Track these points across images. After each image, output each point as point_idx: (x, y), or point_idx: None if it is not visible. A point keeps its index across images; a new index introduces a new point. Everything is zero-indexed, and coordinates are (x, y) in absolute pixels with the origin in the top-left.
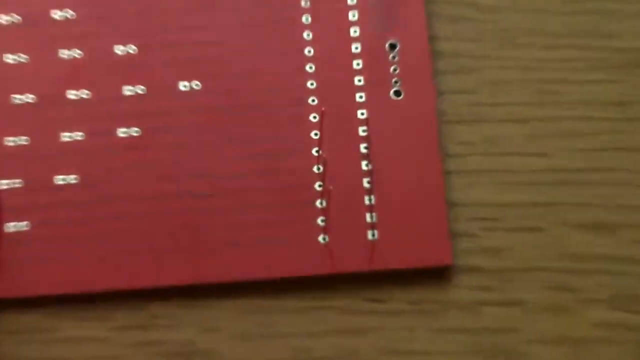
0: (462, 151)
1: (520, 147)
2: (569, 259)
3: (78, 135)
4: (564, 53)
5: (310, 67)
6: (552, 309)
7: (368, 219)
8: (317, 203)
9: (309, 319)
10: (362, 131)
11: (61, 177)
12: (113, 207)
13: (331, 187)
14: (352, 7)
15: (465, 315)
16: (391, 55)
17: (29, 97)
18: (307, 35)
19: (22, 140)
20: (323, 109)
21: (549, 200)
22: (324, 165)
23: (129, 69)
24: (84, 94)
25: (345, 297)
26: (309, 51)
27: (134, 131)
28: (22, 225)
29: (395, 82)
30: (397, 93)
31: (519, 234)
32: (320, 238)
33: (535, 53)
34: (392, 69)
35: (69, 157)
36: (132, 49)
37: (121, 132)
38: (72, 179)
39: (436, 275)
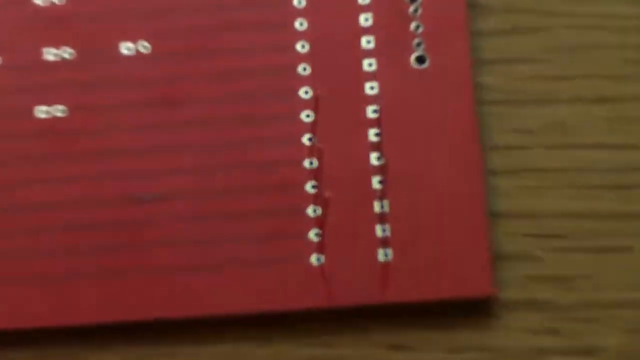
0: (516, 142)
1: (600, 137)
2: None
3: None
4: None
5: (301, 24)
6: None
7: (379, 232)
8: (309, 210)
9: None
10: (371, 112)
11: None
12: (22, 217)
13: (327, 194)
14: None
15: None
16: (412, 8)
17: None
18: None
19: None
20: (318, 90)
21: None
22: (319, 159)
23: (52, 25)
24: None
25: (354, 343)
26: (299, 1)
27: (58, 110)
28: None
29: (418, 44)
30: (421, 59)
31: (597, 257)
32: (313, 258)
33: (621, 8)
34: (413, 26)
35: None
36: None
37: (40, 111)
38: None
39: (480, 311)
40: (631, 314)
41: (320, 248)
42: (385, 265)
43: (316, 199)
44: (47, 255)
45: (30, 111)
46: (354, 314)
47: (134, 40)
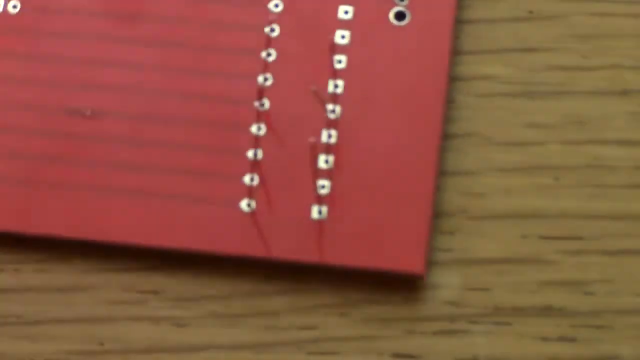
0: (530, 138)
1: (620, 132)
2: None
3: None
4: None
5: None
6: None
7: (318, 188)
8: (249, 153)
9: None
10: (337, 61)
11: None
12: None
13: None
14: None
15: None
16: None
17: None
18: None
19: None
20: (283, 29)
21: None
22: (271, 101)
23: None
24: None
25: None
26: None
27: (11, 5)
28: None
29: None
30: (400, 15)
31: (617, 260)
32: (244, 204)
33: None
34: None
35: None
36: None
37: None
38: None
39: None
40: None
41: (252, 194)
42: (318, 223)
43: (258, 143)
44: None
45: None
46: (285, 267)
47: None
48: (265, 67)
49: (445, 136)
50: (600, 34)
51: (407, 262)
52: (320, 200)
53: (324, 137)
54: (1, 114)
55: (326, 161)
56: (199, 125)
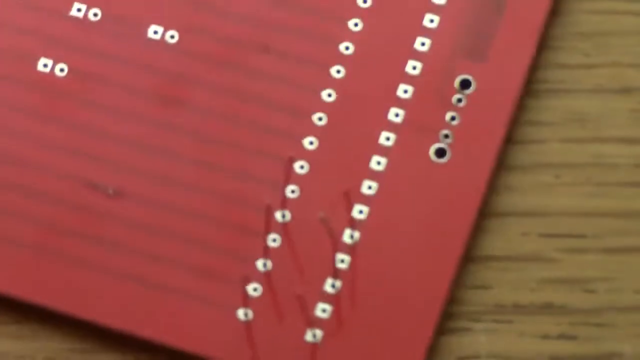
0: (531, 135)
1: (623, 130)
2: None
3: None
4: None
5: (338, 71)
6: None
7: (317, 311)
8: (259, 262)
9: None
10: (366, 187)
11: None
12: None
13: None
14: (432, 8)
15: None
16: (457, 97)
17: None
18: (354, 24)
19: None
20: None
21: None
22: (292, 214)
23: None
24: None
25: None
26: (347, 48)
27: (58, 68)
28: None
29: (445, 135)
30: (441, 152)
31: (618, 257)
32: (241, 312)
33: None
34: (448, 116)
35: None
36: None
37: (43, 64)
38: None
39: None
40: None
41: (252, 304)
42: (311, 346)
43: (271, 254)
44: None
45: (34, 60)
46: None
47: (165, 26)
48: (295, 178)
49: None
50: (602, 31)
51: None
52: (316, 323)
53: (337, 263)
54: (25, 172)
55: (333, 285)
56: (216, 225)
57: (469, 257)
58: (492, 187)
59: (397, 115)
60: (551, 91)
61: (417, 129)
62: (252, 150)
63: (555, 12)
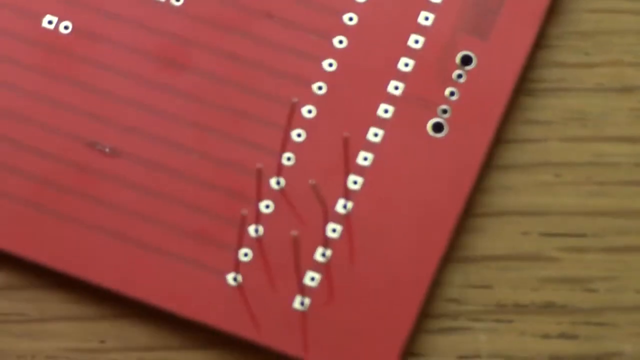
0: (532, 135)
1: (624, 129)
2: None
3: None
4: None
5: (340, 41)
6: None
7: (306, 279)
8: (251, 228)
9: None
10: (362, 158)
11: None
12: None
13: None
14: None
15: None
16: (458, 72)
17: None
18: None
19: None
20: (296, 100)
21: None
22: (286, 179)
23: None
24: None
25: None
26: (350, 19)
27: (63, 26)
28: None
29: (443, 111)
30: (438, 127)
31: (619, 257)
32: (231, 277)
33: None
34: (447, 91)
35: None
36: None
37: (47, 21)
38: None
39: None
40: None
41: (242, 269)
42: (298, 313)
43: (263, 220)
44: None
45: (40, 16)
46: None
47: None
48: (292, 146)
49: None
50: (602, 30)
51: None
52: (305, 291)
53: (328, 231)
54: (24, 128)
55: (323, 254)
56: (210, 189)
57: (469, 257)
58: (492, 186)
59: (396, 88)
60: (551, 90)
61: (416, 102)
62: (251, 117)
63: (554, 11)
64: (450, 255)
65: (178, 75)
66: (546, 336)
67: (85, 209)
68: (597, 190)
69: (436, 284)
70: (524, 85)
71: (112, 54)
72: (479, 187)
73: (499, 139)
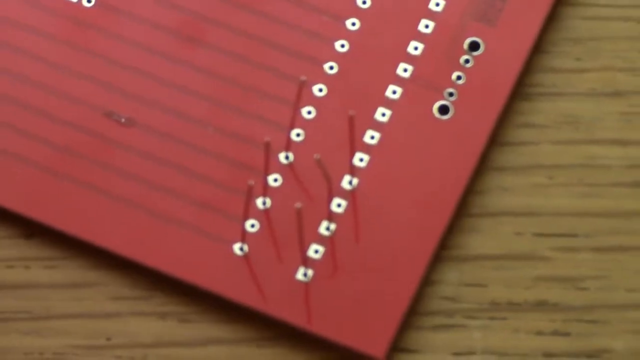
0: (525, 138)
1: (614, 132)
2: None
3: None
4: None
5: (353, 23)
6: None
7: (310, 251)
8: (258, 200)
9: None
10: (369, 137)
11: None
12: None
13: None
14: None
15: None
16: (465, 57)
17: None
18: None
19: None
20: (304, 78)
21: None
22: (295, 154)
23: None
24: None
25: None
26: (364, 2)
27: None
28: None
29: (450, 94)
30: (444, 109)
31: (609, 256)
32: (237, 247)
33: None
34: (454, 75)
35: None
36: None
37: None
38: None
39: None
40: None
41: (248, 239)
42: (301, 284)
43: (271, 192)
44: (10, 130)
45: None
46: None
47: None
48: (302, 123)
49: None
50: (594, 37)
51: (370, 344)
52: (308, 263)
53: (333, 206)
54: (45, 97)
55: (327, 228)
56: (221, 161)
57: (464, 256)
58: (487, 187)
59: (405, 70)
60: (545, 94)
61: (423, 85)
62: (263, 93)
63: (550, 18)
64: (446, 255)
65: (194, 50)
66: (539, 333)
67: (99, 175)
68: (588, 192)
69: (431, 282)
70: (519, 90)
71: (132, 27)
72: (474, 188)
73: (495, 142)
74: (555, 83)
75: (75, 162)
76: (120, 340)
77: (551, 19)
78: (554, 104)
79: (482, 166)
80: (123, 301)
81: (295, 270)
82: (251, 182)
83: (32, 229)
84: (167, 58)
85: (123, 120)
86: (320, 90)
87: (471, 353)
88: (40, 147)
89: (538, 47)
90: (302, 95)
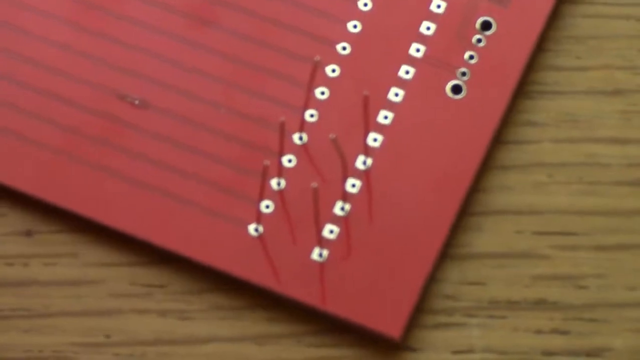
0: (526, 136)
1: (614, 131)
2: None
3: None
4: None
5: (365, 4)
6: None
7: (325, 232)
8: (273, 181)
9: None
10: (382, 117)
11: None
12: (20, 67)
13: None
14: None
15: None
16: (477, 37)
17: None
18: None
19: None
20: (318, 58)
21: None
22: (309, 138)
23: None
24: None
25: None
26: None
27: None
28: None
29: (463, 73)
30: (457, 89)
31: (609, 254)
32: (252, 228)
33: None
34: (467, 55)
35: None
36: None
37: None
38: None
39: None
40: None
41: (263, 220)
42: (317, 264)
43: (285, 173)
44: (23, 113)
45: None
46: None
47: None
48: (315, 103)
49: None
50: (594, 35)
51: (386, 324)
52: (323, 243)
53: (347, 186)
54: (58, 80)
55: (342, 208)
56: (235, 142)
57: (464, 255)
58: (489, 186)
59: (418, 50)
60: (545, 93)
61: (436, 65)
62: (277, 74)
63: (553, 16)
64: (447, 253)
65: (207, 32)
66: (539, 332)
67: (113, 157)
68: (588, 190)
69: (432, 280)
70: (521, 88)
71: (145, 10)
72: (475, 187)
73: (496, 140)
74: (555, 81)
75: (89, 144)
76: (119, 337)
77: (553, 17)
78: (554, 102)
79: (484, 165)
80: (123, 298)
81: (311, 251)
82: (267, 162)
83: (31, 227)
84: (180, 40)
85: (137, 102)
86: (334, 70)
87: (470, 351)
88: (54, 130)
89: (539, 46)
90: (315, 75)
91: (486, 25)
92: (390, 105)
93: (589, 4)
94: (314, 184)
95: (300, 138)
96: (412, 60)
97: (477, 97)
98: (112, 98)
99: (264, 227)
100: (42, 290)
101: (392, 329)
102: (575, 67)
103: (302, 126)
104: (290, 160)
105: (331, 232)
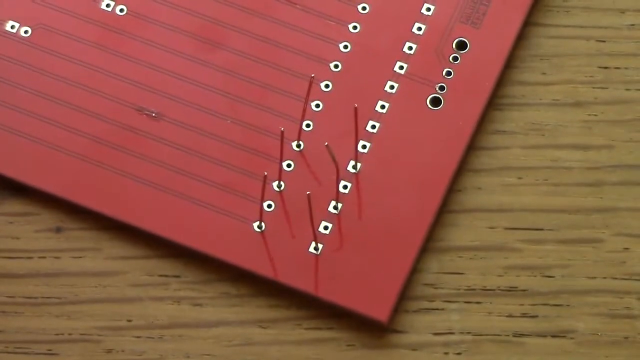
0: (497, 143)
1: (576, 138)
2: (635, 278)
3: None
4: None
5: (355, 27)
6: (611, 342)
7: (320, 228)
8: (274, 184)
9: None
10: (370, 126)
11: None
12: (45, 82)
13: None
14: None
15: (502, 349)
16: (454, 55)
17: None
18: None
19: None
20: (313, 75)
21: (610, 205)
22: (299, 139)
23: None
24: None
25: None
26: (364, 8)
27: (119, 9)
28: None
29: (441, 87)
30: (436, 102)
31: (572, 247)
32: (256, 224)
33: (600, 19)
34: (445, 71)
35: None
36: None
37: (105, 4)
38: None
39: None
40: (602, 299)
41: (266, 217)
42: (313, 257)
43: (285, 177)
44: (45, 121)
45: (98, 2)
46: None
47: None
48: (311, 115)
49: None
50: (557, 53)
51: (374, 309)
52: (319, 238)
53: (340, 188)
54: (84, 95)
55: (335, 207)
56: (240, 149)
57: (443, 248)
58: (465, 187)
59: (401, 67)
60: (514, 105)
61: (417, 80)
62: (276, 89)
63: (519, 37)
64: (428, 246)
65: (214, 52)
66: (510, 316)
67: (133, 163)
68: (553, 191)
69: (415, 270)
70: (492, 101)
71: (159, 33)
72: (452, 187)
73: (471, 147)
74: (523, 94)
75: (112, 151)
76: (139, 322)
77: (520, 38)
78: (522, 113)
79: (460, 168)
80: (142, 287)
81: (308, 245)
82: (265, 173)
83: (61, 224)
84: (192, 59)
85: (154, 114)
86: (327, 86)
87: (450, 333)
88: (81, 140)
89: (508, 63)
90: (311, 90)
91: (461, 45)
92: (377, 116)
93: (552, 26)
94: (308, 192)
95: (298, 145)
96: (396, 77)
97: (454, 109)
98: (131, 111)
99: (266, 224)
100: (71, 280)
101: (380, 313)
102: (541, 82)
103: (300, 135)
104: (289, 165)
105: (326, 228)
